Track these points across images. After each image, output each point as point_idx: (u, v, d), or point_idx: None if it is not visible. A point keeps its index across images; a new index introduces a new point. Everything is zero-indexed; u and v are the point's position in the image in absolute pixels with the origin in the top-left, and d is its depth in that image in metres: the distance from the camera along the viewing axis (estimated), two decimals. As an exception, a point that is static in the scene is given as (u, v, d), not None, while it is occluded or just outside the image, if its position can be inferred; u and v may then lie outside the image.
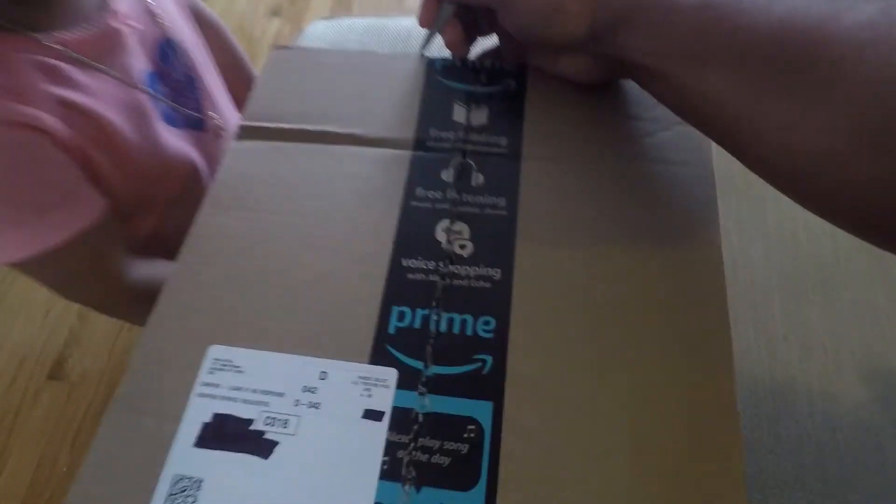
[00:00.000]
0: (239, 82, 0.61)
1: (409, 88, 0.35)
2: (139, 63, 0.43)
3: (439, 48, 0.35)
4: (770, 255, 0.46)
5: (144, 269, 0.47)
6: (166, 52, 0.46)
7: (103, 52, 0.41)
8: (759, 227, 0.48)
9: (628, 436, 0.24)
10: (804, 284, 0.45)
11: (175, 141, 0.46)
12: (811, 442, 0.39)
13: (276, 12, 1.35)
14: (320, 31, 0.60)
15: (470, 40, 0.36)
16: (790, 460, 0.38)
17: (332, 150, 0.33)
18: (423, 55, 0.36)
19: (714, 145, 0.30)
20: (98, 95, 0.40)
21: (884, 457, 0.38)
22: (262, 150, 0.33)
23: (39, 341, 0.98)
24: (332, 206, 0.31)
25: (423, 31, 0.35)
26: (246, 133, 0.34)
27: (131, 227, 0.49)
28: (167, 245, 0.52)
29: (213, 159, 0.51)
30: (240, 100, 0.60)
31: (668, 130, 0.33)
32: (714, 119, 0.26)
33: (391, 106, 0.34)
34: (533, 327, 0.27)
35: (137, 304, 0.46)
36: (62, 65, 0.39)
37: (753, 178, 0.26)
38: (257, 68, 0.63)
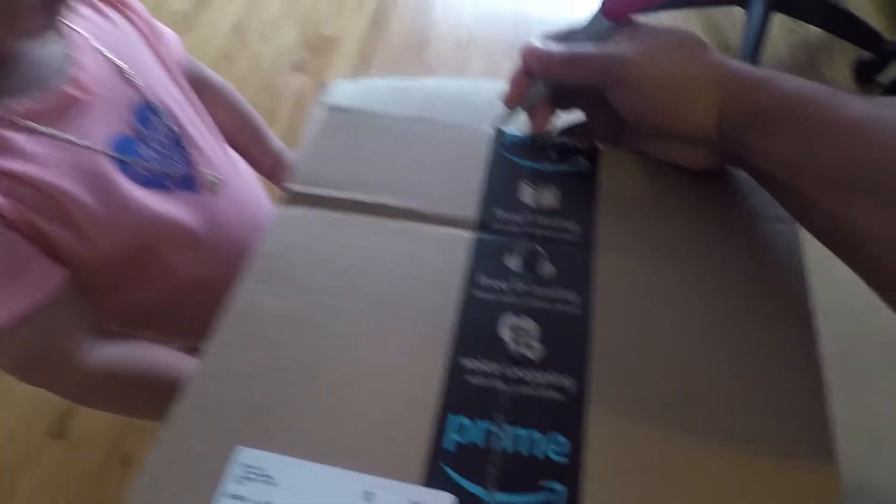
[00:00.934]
0: (247, 137, 0.60)
1: (471, 162, 0.32)
2: (104, 128, 0.41)
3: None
4: (831, 336, 0.42)
5: (109, 353, 0.42)
6: (146, 116, 0.44)
7: (57, 118, 0.39)
8: (820, 305, 0.44)
9: None
10: (867, 367, 0.40)
11: (158, 204, 0.43)
12: None
13: (298, 67, 1.37)
14: (344, 91, 0.59)
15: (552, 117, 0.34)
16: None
17: (387, 224, 0.30)
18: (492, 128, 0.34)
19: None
20: (49, 164, 0.38)
21: None
22: (311, 220, 0.30)
23: (42, 396, 0.94)
24: (386, 291, 0.28)
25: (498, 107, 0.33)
26: (294, 199, 0.31)
27: (116, 300, 0.45)
28: (166, 319, 0.49)
29: (216, 218, 0.48)
30: (248, 153, 0.59)
31: (761, 224, 0.30)
32: (848, 241, 0.25)
33: (452, 180, 0.31)
34: (611, 452, 0.23)
35: (98, 391, 0.42)
36: (9, 134, 0.37)
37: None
38: (281, 122, 0.62)
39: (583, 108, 0.34)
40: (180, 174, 0.46)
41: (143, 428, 0.90)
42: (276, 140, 0.64)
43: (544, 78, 0.32)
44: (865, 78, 1.20)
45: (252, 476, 0.23)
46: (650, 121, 0.29)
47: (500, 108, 0.33)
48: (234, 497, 0.22)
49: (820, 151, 0.24)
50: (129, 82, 0.44)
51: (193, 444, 0.23)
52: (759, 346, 0.26)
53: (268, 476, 0.23)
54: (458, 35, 1.43)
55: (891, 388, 0.38)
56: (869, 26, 1.17)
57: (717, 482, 0.23)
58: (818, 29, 1.26)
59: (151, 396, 0.41)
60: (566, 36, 0.32)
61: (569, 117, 0.35)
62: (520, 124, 0.33)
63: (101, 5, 0.46)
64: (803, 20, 1.24)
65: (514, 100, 0.32)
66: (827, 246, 0.26)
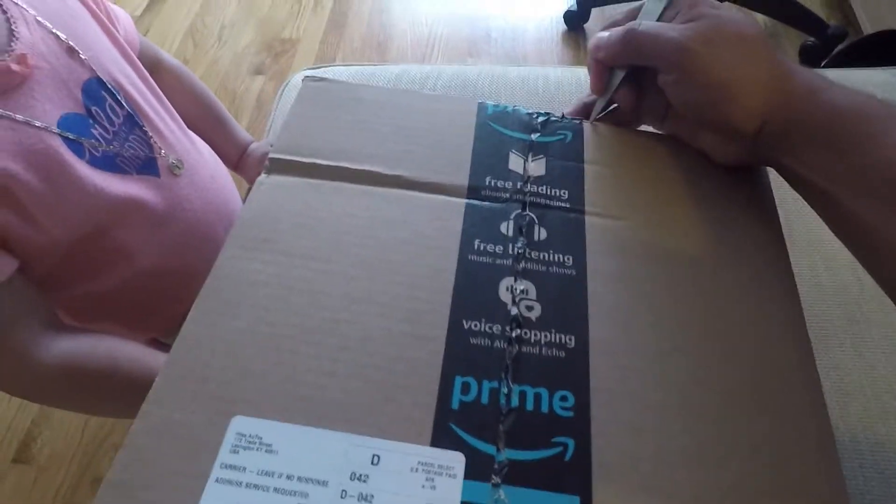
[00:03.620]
0: (208, 123, 0.57)
1: (458, 131, 0.32)
2: (51, 106, 0.38)
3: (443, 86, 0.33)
4: (824, 286, 0.44)
5: (69, 347, 0.39)
6: (97, 93, 0.41)
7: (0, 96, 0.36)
8: (809, 252, 0.46)
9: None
10: (830, 325, 0.43)
11: (114, 186, 0.40)
12: (866, 494, 0.36)
13: (259, 71, 1.35)
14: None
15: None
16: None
17: (376, 191, 0.29)
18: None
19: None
20: None
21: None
22: (296, 187, 0.29)
23: (5, 420, 0.86)
24: (379, 255, 0.27)
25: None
26: (275, 167, 0.30)
27: (73, 290, 0.42)
28: (127, 310, 0.46)
29: (177, 201, 0.46)
30: (212, 141, 0.57)
31: (738, 187, 0.31)
32: (880, 254, 0.25)
33: (440, 148, 0.31)
34: (617, 404, 0.23)
35: (57, 387, 0.38)
36: None
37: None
38: (243, 125, 0.61)
39: (640, 87, 0.33)
40: (138, 155, 0.43)
41: (116, 445, 0.84)
42: (242, 131, 0.61)
43: (610, 64, 0.32)
44: (811, 62, 1.30)
45: (248, 445, 0.21)
46: (694, 110, 0.29)
47: (463, 90, 0.33)
48: (231, 467, 0.21)
49: (867, 168, 0.25)
50: (77, 58, 0.41)
51: (180, 415, 0.22)
52: (743, 296, 0.27)
53: (266, 444, 0.21)
54: (417, 32, 1.43)
55: (853, 344, 0.41)
56: (812, 14, 1.28)
57: (715, 423, 0.23)
58: (766, 17, 1.35)
59: (119, 393, 0.38)
60: (630, 16, 0.32)
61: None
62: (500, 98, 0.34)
63: None
64: (752, 9, 1.33)
65: (597, 88, 0.33)
66: (854, 253, 0.27)
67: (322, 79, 0.35)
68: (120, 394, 0.38)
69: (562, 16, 1.41)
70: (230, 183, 0.55)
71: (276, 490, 0.20)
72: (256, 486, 0.20)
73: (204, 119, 0.57)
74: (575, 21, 1.40)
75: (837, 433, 0.38)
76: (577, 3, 1.38)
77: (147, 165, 0.44)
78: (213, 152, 0.55)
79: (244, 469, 0.21)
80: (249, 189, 0.30)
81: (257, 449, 0.21)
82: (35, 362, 0.36)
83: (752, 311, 0.26)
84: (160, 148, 0.45)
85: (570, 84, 0.55)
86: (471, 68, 0.56)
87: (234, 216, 0.49)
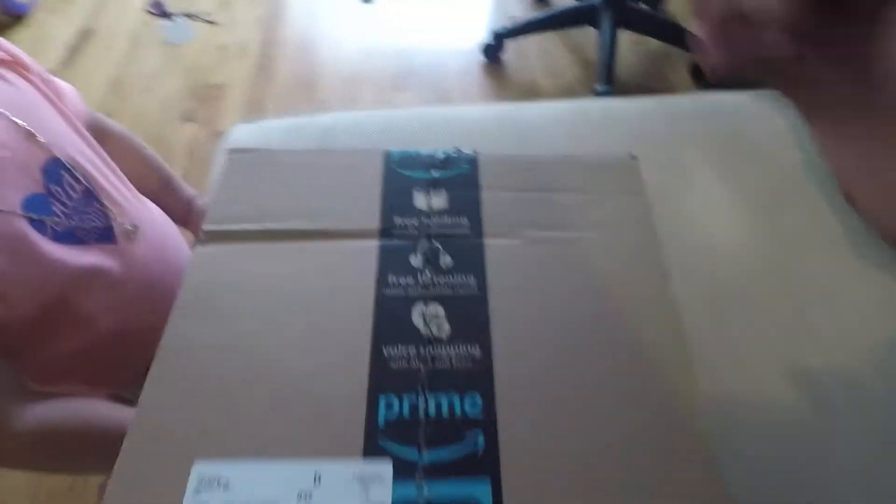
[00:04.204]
0: (155, 184, 0.61)
1: (368, 181, 0.36)
2: (14, 190, 0.42)
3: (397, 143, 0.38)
4: (689, 273, 0.49)
5: (40, 413, 0.42)
6: (56, 173, 0.45)
7: None
8: (678, 247, 0.51)
9: (620, 491, 0.25)
10: (727, 298, 0.48)
11: (75, 258, 0.44)
12: (761, 457, 0.41)
13: (188, 118, 1.37)
14: (243, 135, 0.62)
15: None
16: (737, 476, 0.40)
17: (300, 246, 0.33)
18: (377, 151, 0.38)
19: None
20: None
21: (827, 458, 0.41)
22: (228, 254, 0.33)
23: None
24: (307, 305, 0.31)
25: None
26: (210, 237, 0.34)
27: (37, 356, 0.45)
28: (92, 371, 0.49)
29: (134, 264, 0.49)
30: (160, 201, 0.60)
31: (610, 201, 0.36)
32: None
33: (353, 199, 0.35)
34: (518, 400, 0.28)
35: (34, 453, 0.41)
36: None
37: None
38: (177, 172, 0.64)
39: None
40: (96, 227, 0.46)
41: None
42: (187, 187, 0.65)
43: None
44: (699, 78, 1.41)
45: (209, 486, 0.25)
46: None
47: (392, 134, 0.37)
48: (195, 506, 0.25)
49: None
50: (35, 142, 0.45)
51: (149, 468, 0.26)
52: (625, 296, 0.32)
53: (224, 482, 0.25)
54: (344, 71, 1.48)
55: (746, 315, 0.46)
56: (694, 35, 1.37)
57: (604, 406, 0.28)
58: (658, 40, 1.46)
59: (93, 450, 0.41)
60: None
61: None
62: (407, 144, 0.38)
63: None
64: (644, 34, 1.45)
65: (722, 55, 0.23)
66: None
67: (245, 150, 0.39)
68: (94, 451, 0.41)
69: (479, 48, 1.48)
70: (181, 240, 0.59)
71: (235, 518, 0.24)
72: (219, 518, 0.24)
73: (151, 180, 0.60)
74: (492, 53, 1.47)
75: (732, 395, 0.43)
76: (492, 36, 1.45)
77: (104, 234, 0.47)
78: (161, 212, 0.59)
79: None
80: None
81: (216, 488, 0.25)
82: (10, 433, 0.39)
83: (634, 309, 0.31)
84: (115, 215, 0.49)
85: (491, 122, 0.61)
86: (398, 112, 0.61)
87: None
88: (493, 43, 1.45)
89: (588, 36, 1.47)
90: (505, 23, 1.47)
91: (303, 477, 0.25)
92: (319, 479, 0.25)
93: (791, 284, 0.50)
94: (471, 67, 1.48)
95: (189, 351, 0.29)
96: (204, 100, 1.41)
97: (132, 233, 0.49)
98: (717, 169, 0.58)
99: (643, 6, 1.46)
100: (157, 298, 0.49)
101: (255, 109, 1.37)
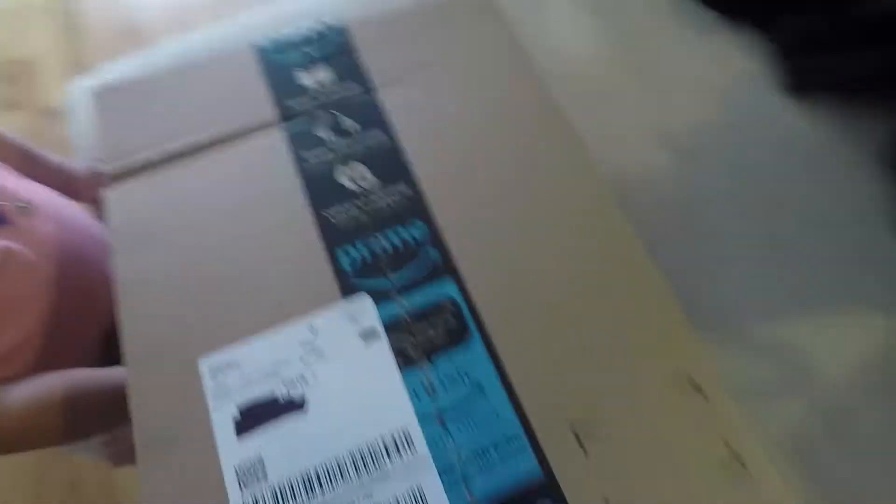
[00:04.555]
0: (27, 163, 0.56)
1: (249, 76, 0.37)
2: None
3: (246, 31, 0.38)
4: (555, 76, 0.56)
5: (18, 393, 0.41)
6: None
7: None
8: (541, 56, 0.57)
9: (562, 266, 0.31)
10: (592, 94, 0.55)
11: None
12: (648, 201, 0.50)
13: (10, 105, 1.19)
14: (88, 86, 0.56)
15: None
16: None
17: (209, 158, 0.34)
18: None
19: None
20: None
21: (702, 200, 0.50)
22: (142, 186, 0.33)
23: None
24: (239, 206, 0.33)
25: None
26: (115, 178, 0.34)
27: None
28: (53, 345, 0.48)
29: (42, 241, 0.47)
30: (39, 177, 0.56)
31: (476, 34, 0.39)
32: None
33: (241, 97, 0.36)
34: (456, 214, 0.32)
35: (28, 431, 0.42)
36: None
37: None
38: None
39: None
40: None
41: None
42: (53, 156, 0.59)
43: None
44: None
45: (221, 371, 0.28)
46: None
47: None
48: (218, 389, 0.28)
49: None
50: None
51: (160, 381, 0.28)
52: (516, 111, 0.36)
53: (234, 362, 0.28)
54: (164, 2, 1.32)
55: (611, 102, 0.53)
56: None
57: (529, 194, 0.33)
58: None
59: (86, 411, 0.42)
60: None
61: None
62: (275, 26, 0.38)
63: None
64: None
65: None
66: None
67: (113, 86, 0.37)
68: (87, 411, 0.42)
69: None
70: (78, 208, 0.56)
71: (257, 383, 0.28)
72: (243, 389, 0.28)
73: (22, 161, 0.55)
74: None
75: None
76: None
77: None
78: (43, 186, 0.55)
79: (227, 386, 0.28)
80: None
81: (228, 369, 0.28)
82: (2, 410, 0.39)
83: (525, 119, 0.36)
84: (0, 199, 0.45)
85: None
86: (248, 19, 0.58)
87: (98, 230, 0.51)
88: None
89: None
90: None
91: (300, 333, 0.29)
92: (314, 329, 0.29)
93: (642, 72, 0.57)
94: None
95: (147, 280, 0.31)
96: (14, 80, 1.22)
97: (25, 209, 0.46)
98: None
99: None
100: (83, 273, 0.48)
101: (78, 72, 1.21)
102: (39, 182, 0.54)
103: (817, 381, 0.45)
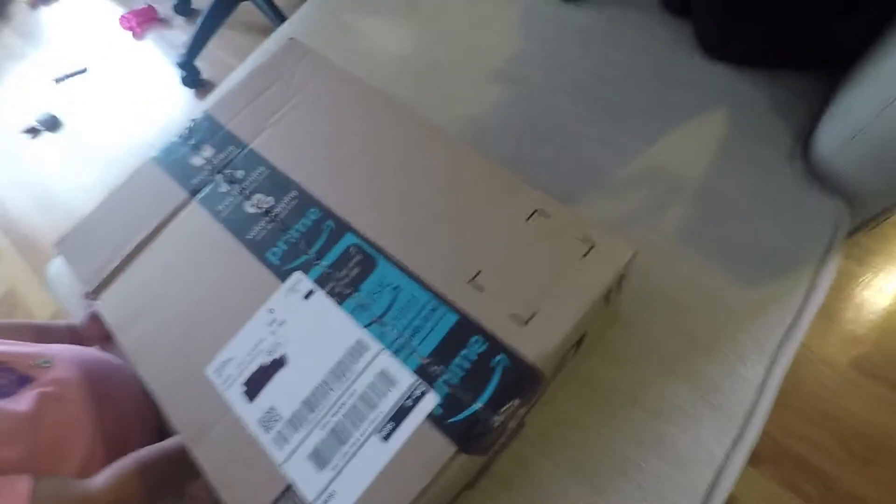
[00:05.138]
0: (30, 336, 0.66)
1: (158, 179, 0.48)
2: None
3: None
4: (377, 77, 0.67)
5: (106, 474, 0.49)
6: None
7: None
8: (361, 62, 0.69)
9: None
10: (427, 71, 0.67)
11: (11, 405, 0.50)
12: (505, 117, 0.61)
13: None
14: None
15: None
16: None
17: (155, 242, 0.45)
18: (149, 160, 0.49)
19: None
20: None
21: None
22: (118, 287, 0.44)
23: None
24: (190, 261, 0.43)
25: None
26: (95, 291, 0.44)
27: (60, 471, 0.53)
28: (103, 456, 0.57)
29: (61, 382, 0.54)
30: (52, 341, 0.66)
31: (302, 72, 0.51)
32: None
33: (158, 195, 0.47)
34: (338, 194, 0.43)
35: (128, 497, 0.50)
36: None
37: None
38: None
39: None
40: (10, 380, 0.53)
41: None
42: (58, 321, 0.69)
43: None
44: None
45: (223, 367, 0.38)
46: None
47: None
48: (225, 379, 0.38)
49: None
50: None
51: (186, 399, 0.38)
52: (358, 108, 0.47)
53: (228, 361, 0.38)
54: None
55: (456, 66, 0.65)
56: None
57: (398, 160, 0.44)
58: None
59: (160, 475, 0.51)
60: None
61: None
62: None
63: None
64: None
65: None
66: None
67: (66, 235, 0.48)
68: (161, 475, 0.51)
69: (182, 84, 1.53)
70: (92, 349, 0.66)
71: (249, 362, 0.38)
72: (241, 370, 0.37)
73: (35, 334, 0.65)
74: (192, 80, 1.51)
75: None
76: (180, 68, 1.49)
77: (22, 379, 0.54)
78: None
79: (230, 374, 0.38)
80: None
81: (228, 366, 0.38)
82: (94, 493, 0.48)
83: (379, 120, 0.47)
84: (16, 363, 0.55)
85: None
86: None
87: (111, 358, 0.61)
88: (185, 73, 1.50)
89: (249, 8, 1.56)
90: (179, 54, 1.52)
91: (263, 317, 0.39)
92: (272, 310, 0.39)
93: (450, 40, 0.69)
94: (184, 104, 1.53)
95: (147, 341, 0.41)
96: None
97: (47, 363, 0.56)
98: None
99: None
100: (112, 392, 0.57)
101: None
102: (53, 343, 0.64)
103: (682, 182, 0.55)
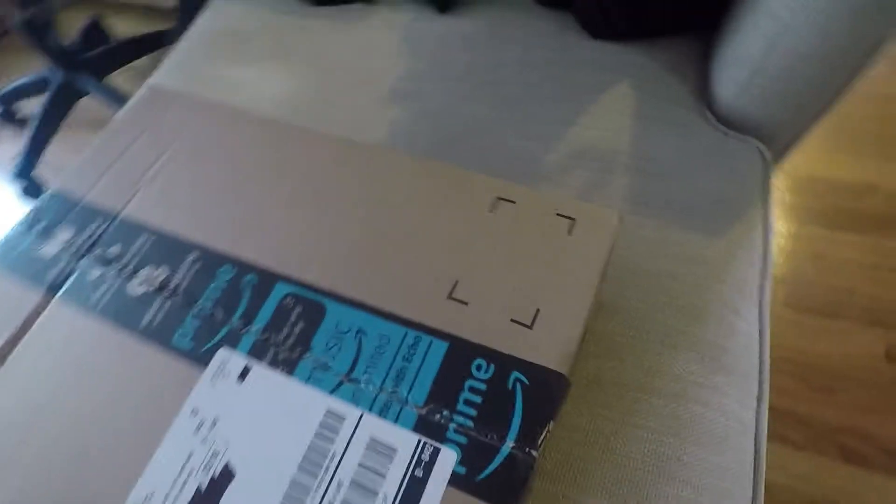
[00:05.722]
0: None
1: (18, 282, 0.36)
2: None
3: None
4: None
5: None
6: None
7: None
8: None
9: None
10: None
11: None
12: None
13: None
14: None
15: None
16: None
17: (11, 366, 0.32)
18: None
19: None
20: None
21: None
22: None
23: None
24: (69, 376, 0.31)
25: None
26: None
27: None
28: None
29: None
30: None
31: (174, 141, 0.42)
32: None
33: (6, 304, 0.35)
34: (245, 241, 0.34)
35: None
36: None
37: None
38: None
39: None
40: None
41: None
42: None
43: None
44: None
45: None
46: None
47: None
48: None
49: None
50: None
51: None
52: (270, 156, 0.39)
53: (149, 493, 0.27)
54: None
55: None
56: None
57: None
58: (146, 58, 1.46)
59: None
60: None
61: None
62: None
63: None
64: (122, 66, 1.42)
65: None
66: None
67: None
68: None
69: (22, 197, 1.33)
70: None
71: (185, 494, 0.27)
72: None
73: None
74: (34, 190, 1.34)
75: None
76: (18, 180, 1.30)
77: None
78: None
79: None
80: None
81: (149, 500, 0.27)
82: None
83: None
84: None
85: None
86: None
87: None
88: (26, 183, 1.30)
89: (86, 105, 1.41)
90: (12, 164, 1.33)
91: (186, 423, 0.28)
92: (195, 410, 0.29)
93: (326, 68, 0.64)
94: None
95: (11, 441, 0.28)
96: None
97: None
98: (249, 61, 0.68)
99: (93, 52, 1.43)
100: None
101: None
102: None
103: (614, 156, 0.52)
